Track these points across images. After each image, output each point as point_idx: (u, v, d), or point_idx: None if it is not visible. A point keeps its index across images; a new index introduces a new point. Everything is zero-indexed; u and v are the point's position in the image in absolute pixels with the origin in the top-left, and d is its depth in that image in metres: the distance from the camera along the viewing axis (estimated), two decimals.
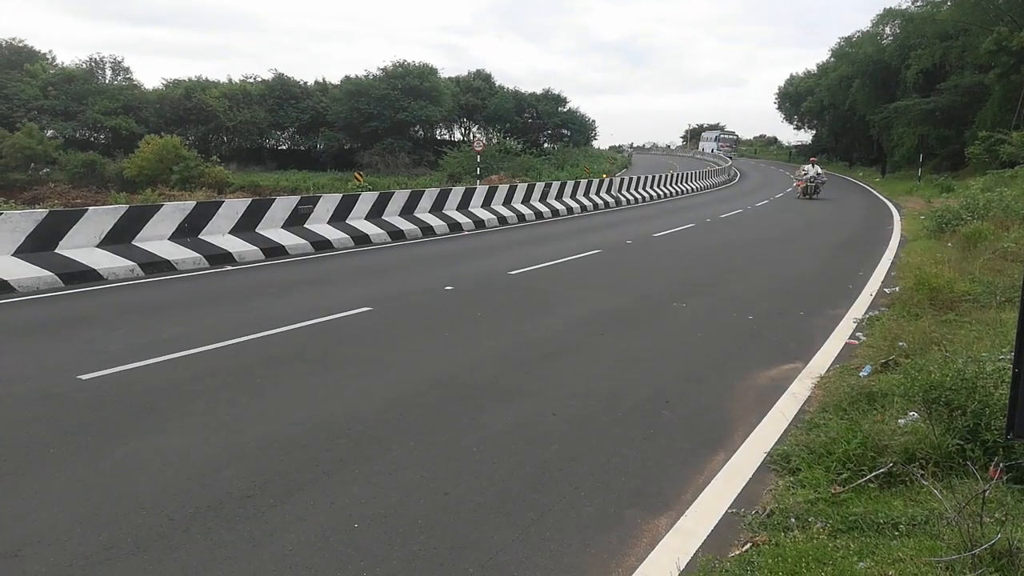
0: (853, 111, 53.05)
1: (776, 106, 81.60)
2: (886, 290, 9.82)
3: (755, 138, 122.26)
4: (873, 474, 3.94)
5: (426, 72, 59.35)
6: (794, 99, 75.16)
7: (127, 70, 58.36)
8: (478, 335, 7.43)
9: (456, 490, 4.04)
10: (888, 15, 47.19)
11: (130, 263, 10.06)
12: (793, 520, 3.63)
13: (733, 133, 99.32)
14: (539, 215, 20.39)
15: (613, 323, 8.13)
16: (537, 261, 11.98)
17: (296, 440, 4.68)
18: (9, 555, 3.33)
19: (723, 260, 13.30)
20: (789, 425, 5.01)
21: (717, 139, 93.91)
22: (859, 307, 8.96)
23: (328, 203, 13.94)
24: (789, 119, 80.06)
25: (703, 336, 7.61)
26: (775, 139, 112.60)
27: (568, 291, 10.05)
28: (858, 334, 7.53)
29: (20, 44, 55.37)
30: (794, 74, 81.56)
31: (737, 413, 5.35)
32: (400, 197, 15.82)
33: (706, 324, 8.11)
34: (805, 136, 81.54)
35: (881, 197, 32.05)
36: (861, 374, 5.90)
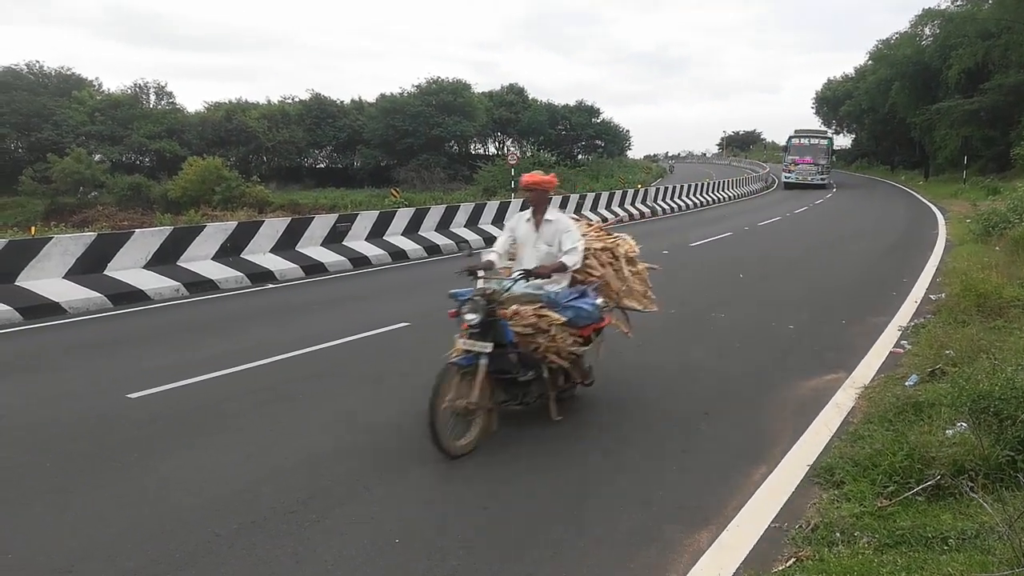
0: (893, 114, 51.99)
1: (814, 111, 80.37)
2: (931, 297, 9.58)
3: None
4: (920, 487, 3.84)
5: (460, 88, 59.87)
6: (832, 103, 73.97)
7: (170, 94, 60.18)
8: None
9: (495, 505, 4.05)
10: (927, 15, 46.27)
11: (175, 283, 10.32)
12: (838, 535, 3.56)
13: (824, 134, 48.99)
14: None
15: (649, 334, 8.06)
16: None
17: (338, 455, 4.74)
18: (63, 570, 3.43)
19: (762, 268, 13.12)
20: (832, 437, 4.91)
21: (787, 148, 45.97)
22: (904, 315, 8.75)
23: (366, 220, 14.13)
24: (827, 124, 78.70)
25: (742, 346, 7.52)
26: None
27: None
28: (903, 342, 7.36)
29: (68, 72, 57.46)
30: (832, 78, 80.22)
31: (778, 425, 5.26)
32: (436, 213, 15.96)
33: (745, 334, 8.01)
34: (844, 140, 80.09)
35: (924, 201, 31.31)
36: (907, 384, 5.76)
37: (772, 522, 3.83)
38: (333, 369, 6.77)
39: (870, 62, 57.77)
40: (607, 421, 5.33)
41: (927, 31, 47.71)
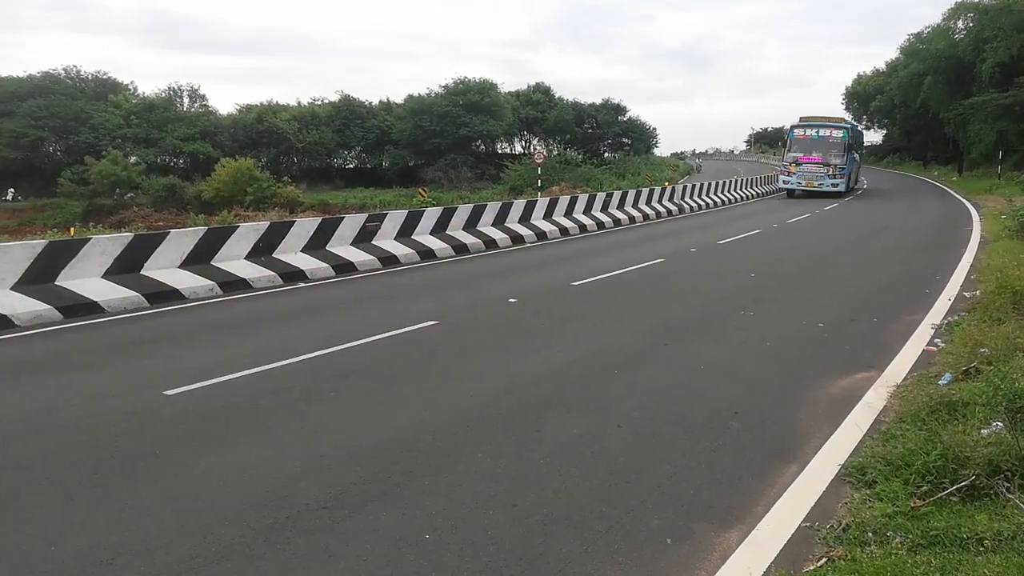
0: (926, 109, 50.95)
1: (844, 107, 79.08)
2: (966, 294, 9.42)
3: None
4: (955, 487, 3.80)
5: (486, 88, 60.03)
6: (862, 99, 72.76)
7: (203, 97, 61.20)
8: (542, 347, 7.48)
9: (524, 502, 4.08)
10: (960, 8, 45.27)
11: (209, 282, 10.51)
12: (870, 535, 3.54)
13: (839, 123, 33.72)
14: (601, 225, 20.33)
15: (678, 333, 8.06)
16: (600, 271, 11.95)
17: (368, 452, 4.81)
18: (104, 563, 3.53)
19: (791, 266, 12.99)
20: (864, 436, 4.87)
21: (788, 143, 34.20)
22: (937, 312, 8.62)
23: (394, 220, 14.24)
24: (858, 119, 77.37)
25: (772, 345, 7.47)
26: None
27: (632, 301, 10.00)
28: (936, 340, 7.26)
29: (105, 77, 58.64)
30: (862, 73, 78.91)
31: (809, 424, 5.23)
32: (463, 212, 16.03)
33: (774, 332, 7.95)
34: (875, 136, 78.63)
35: (958, 196, 30.70)
36: (940, 382, 5.68)
37: (803, 521, 3.82)
38: (363, 367, 6.86)
39: (901, 56, 56.74)
40: (635, 418, 5.34)
41: (960, 24, 46.67)
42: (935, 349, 6.94)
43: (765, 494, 4.16)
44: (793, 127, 32.68)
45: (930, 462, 3.99)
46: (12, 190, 51.13)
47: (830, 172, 30.84)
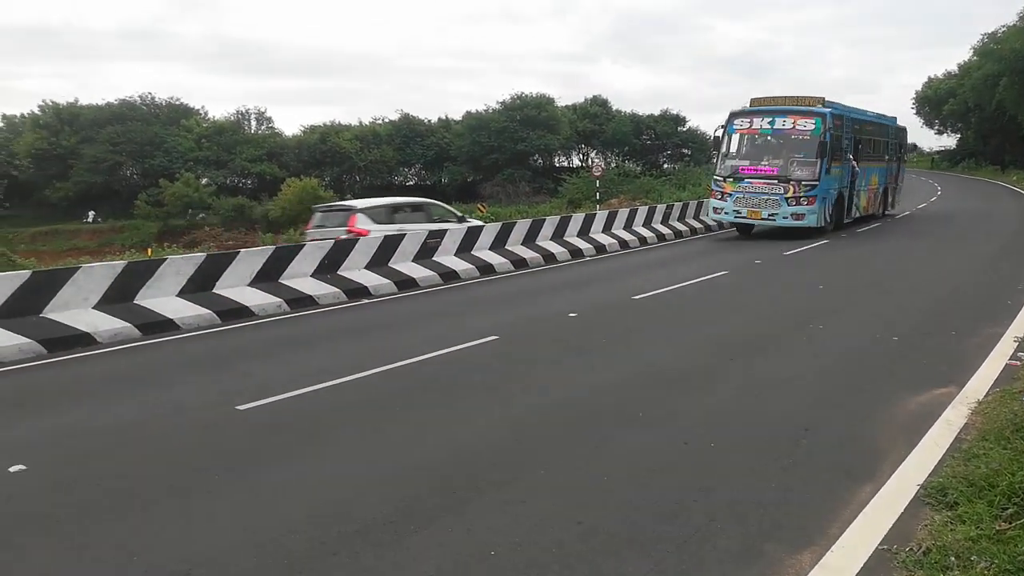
0: (1002, 111, 48.82)
1: (914, 111, 76.37)
2: None
3: None
4: None
5: (543, 102, 60.31)
6: (934, 103, 70.15)
7: (269, 119, 63.10)
8: (602, 361, 7.43)
9: (588, 519, 4.05)
10: None
11: (277, 300, 10.81)
12: (953, 559, 3.38)
13: (808, 111, 18.00)
14: (661, 237, 20.10)
15: (743, 347, 7.89)
16: (661, 285, 11.82)
17: (432, 467, 4.86)
18: (181, 573, 3.66)
19: (862, 276, 12.59)
20: (944, 455, 4.66)
21: (718, 143, 19.59)
22: (1020, 324, 8.22)
23: (455, 236, 14.40)
24: (929, 124, 74.54)
25: (842, 359, 7.24)
26: (914, 145, 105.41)
27: (695, 315, 9.85)
28: (1020, 354, 6.92)
29: (177, 102, 61.18)
30: (932, 76, 76.10)
31: (884, 442, 5.05)
32: (522, 227, 16.09)
33: (845, 346, 7.71)
34: (949, 140, 75.57)
35: None
36: None
37: (880, 544, 3.67)
38: (426, 383, 6.94)
39: (975, 57, 54.60)
40: (701, 435, 5.25)
41: None
42: (1018, 363, 6.62)
43: (839, 514, 4.02)
44: (733, 116, 18.75)
45: (1016, 482, 3.81)
46: (93, 212, 53.77)
47: (789, 193, 17.44)
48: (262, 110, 63.98)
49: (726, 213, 18.80)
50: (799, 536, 3.81)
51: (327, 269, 11.86)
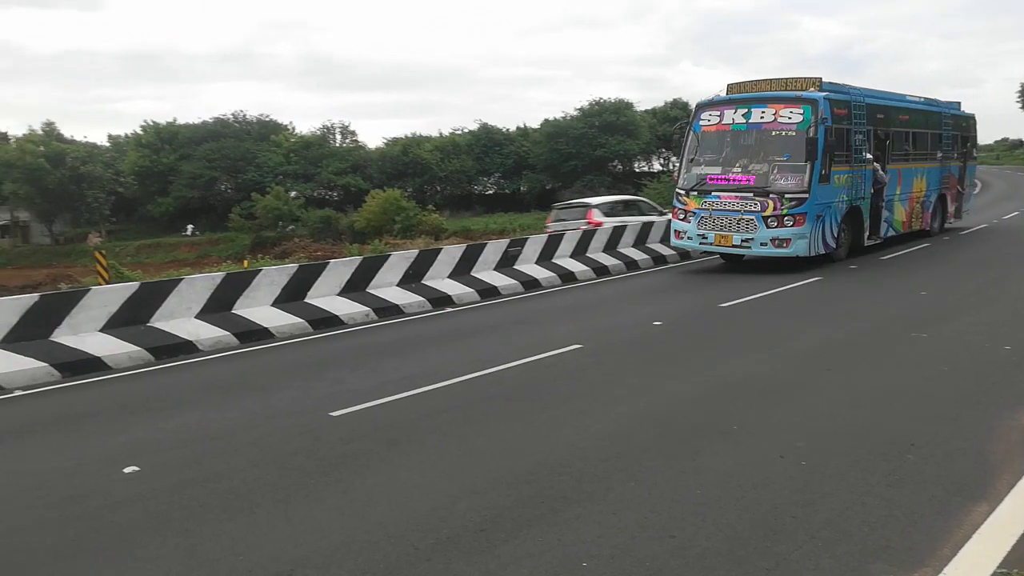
0: None
1: (1020, 105, 71.90)
2: None
3: (996, 142, 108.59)
4: None
5: (622, 107, 59.84)
6: None
7: (353, 133, 65.06)
8: (691, 371, 7.28)
9: (682, 533, 3.98)
10: None
11: (366, 308, 11.11)
12: None
13: (821, 91, 13.30)
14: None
15: (840, 356, 7.59)
16: (750, 292, 11.50)
17: (521, 475, 4.87)
18: (284, 574, 3.79)
19: (968, 282, 11.90)
20: None
21: (684, 147, 14.84)
22: None
23: (535, 244, 14.45)
24: None
25: (950, 370, 6.86)
26: (1021, 141, 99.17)
27: (787, 322, 9.53)
28: None
29: (267, 119, 63.90)
30: None
31: (999, 458, 4.75)
32: (602, 234, 15.98)
33: (952, 356, 7.31)
34: None
35: None
36: None
37: (999, 567, 3.46)
38: (512, 391, 6.97)
39: None
40: (798, 448, 5.07)
41: None
42: None
43: (952, 534, 3.81)
44: (699, 108, 14.64)
45: None
46: (191, 226, 56.85)
47: (768, 211, 13.03)
48: (346, 124, 66.21)
49: (689, 238, 14.25)
50: (908, 556, 3.63)
51: (412, 279, 12.11)
